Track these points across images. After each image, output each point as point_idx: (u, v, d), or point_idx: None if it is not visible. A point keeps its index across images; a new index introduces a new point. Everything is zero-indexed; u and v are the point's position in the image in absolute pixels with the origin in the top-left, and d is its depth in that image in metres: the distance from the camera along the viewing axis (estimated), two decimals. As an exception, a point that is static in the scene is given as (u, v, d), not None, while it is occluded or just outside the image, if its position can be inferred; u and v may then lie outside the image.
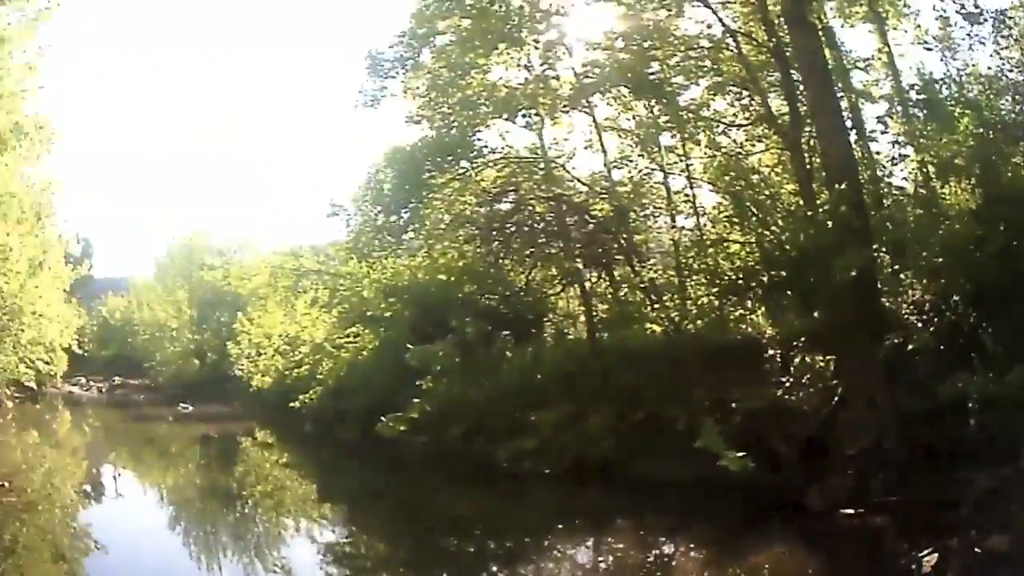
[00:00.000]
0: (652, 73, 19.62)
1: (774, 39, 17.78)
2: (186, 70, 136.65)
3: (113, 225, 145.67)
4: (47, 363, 40.23)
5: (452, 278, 24.29)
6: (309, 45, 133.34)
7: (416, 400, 20.65)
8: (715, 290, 17.38)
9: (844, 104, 17.78)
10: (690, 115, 20.62)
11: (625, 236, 21.33)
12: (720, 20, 19.20)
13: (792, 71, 17.76)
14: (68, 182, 37.22)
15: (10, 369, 36.26)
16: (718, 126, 20.71)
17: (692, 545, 13.49)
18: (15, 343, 36.07)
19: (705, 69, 19.83)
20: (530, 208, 23.18)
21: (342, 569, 13.64)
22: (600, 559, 13.78)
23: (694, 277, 18.82)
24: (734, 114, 20.75)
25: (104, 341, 68.29)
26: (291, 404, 28.98)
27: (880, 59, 19.03)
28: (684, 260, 19.62)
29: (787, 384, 15.91)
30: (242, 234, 56.35)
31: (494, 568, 13.57)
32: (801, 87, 17.53)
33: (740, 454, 13.51)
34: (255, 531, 16.99)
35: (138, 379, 59.69)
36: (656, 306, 19.12)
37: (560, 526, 15.36)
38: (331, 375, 27.93)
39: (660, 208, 22.95)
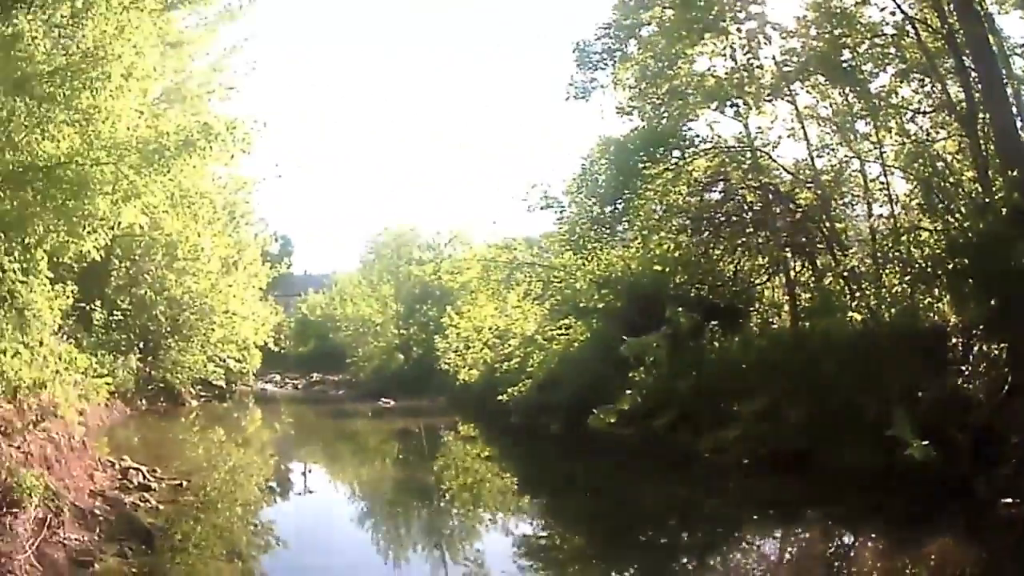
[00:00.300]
0: (844, 61, 21.63)
1: (946, 26, 19.52)
2: (388, 63, 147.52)
3: (316, 222, 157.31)
4: (239, 361, 44.21)
5: (665, 269, 26.54)
6: (506, 36, 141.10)
7: (628, 392, 23.17)
8: (907, 278, 19.35)
9: (1009, 91, 19.22)
10: (881, 102, 22.48)
11: (827, 224, 23.38)
12: (899, 6, 21.23)
13: (964, 57, 19.66)
14: (270, 179, 40.95)
15: (197, 368, 39.87)
16: (906, 113, 22.43)
17: (871, 534, 15.17)
18: (204, 342, 39.60)
19: (890, 56, 21.62)
20: (739, 197, 25.59)
21: (536, 561, 14.52)
22: (786, 549, 15.42)
23: (888, 265, 20.69)
24: (919, 101, 22.38)
25: (302, 338, 74.25)
26: (499, 398, 31.41)
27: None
28: (880, 248, 21.53)
29: (966, 372, 17.41)
30: (451, 227, 58.73)
31: (684, 560, 14.77)
32: (973, 74, 19.42)
33: (924, 443, 15.34)
34: (450, 524, 18.30)
35: (337, 375, 63.47)
36: (856, 295, 21.10)
37: (754, 517, 16.68)
38: (541, 368, 30.23)
39: (858, 196, 24.39)
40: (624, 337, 24.53)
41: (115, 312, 33.09)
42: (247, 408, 46.41)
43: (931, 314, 19.45)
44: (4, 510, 11.31)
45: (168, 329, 37.60)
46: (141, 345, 35.21)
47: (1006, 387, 16.20)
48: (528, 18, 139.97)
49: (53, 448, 15.06)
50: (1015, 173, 17.02)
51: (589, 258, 28.89)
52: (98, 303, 31.20)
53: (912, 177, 21.31)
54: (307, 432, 38.44)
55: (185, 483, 18.93)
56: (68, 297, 22.05)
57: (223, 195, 35.40)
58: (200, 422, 35.92)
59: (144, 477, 18.45)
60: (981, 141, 19.05)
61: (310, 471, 27.26)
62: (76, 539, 12.55)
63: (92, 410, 22.60)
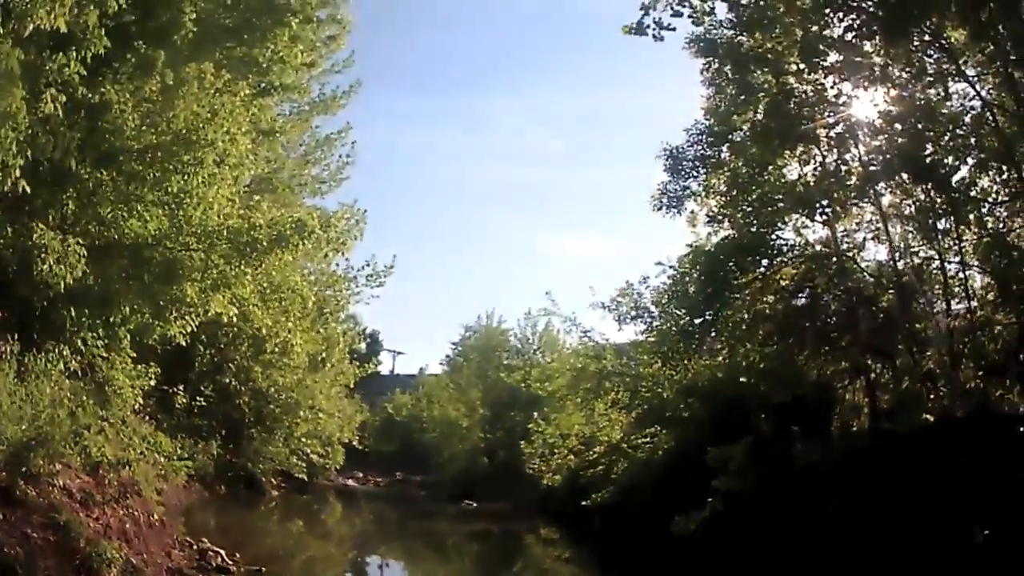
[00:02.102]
0: (927, 155, 21.89)
1: (1022, 109, 19.86)
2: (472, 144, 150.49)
3: (406, 318, 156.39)
4: (322, 456, 45.02)
5: (750, 379, 26.66)
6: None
7: (709, 499, 23.09)
8: (980, 372, 19.55)
9: None
10: (960, 196, 22.43)
11: (907, 325, 23.51)
12: (978, 93, 21.66)
13: None
14: (362, 279, 41.86)
15: (279, 460, 40.43)
16: (984, 204, 22.74)
17: None
18: (288, 435, 40.69)
19: (970, 147, 21.95)
20: (823, 303, 25.80)
21: None
22: None
23: (964, 361, 20.79)
24: (996, 191, 22.66)
25: (387, 437, 74.69)
26: (583, 503, 31.28)
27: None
28: (957, 345, 21.56)
29: None
30: (539, 329, 59.99)
31: None
32: None
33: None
34: None
35: (420, 476, 64.51)
36: (931, 395, 21.24)
37: None
38: (625, 475, 30.53)
39: (937, 293, 24.29)
40: (708, 447, 24.43)
41: (198, 398, 33.93)
42: (328, 502, 47.14)
43: (1003, 405, 19.52)
44: (82, 579, 11.64)
45: (251, 419, 38.42)
46: (223, 432, 35.72)
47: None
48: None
49: (132, 524, 15.67)
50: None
51: (677, 368, 29.03)
52: (182, 387, 32.07)
53: (989, 269, 21.54)
54: (387, 528, 39.03)
55: (263, 569, 19.33)
56: (151, 378, 22.60)
57: (314, 291, 36.03)
58: (279, 512, 37.07)
59: (222, 560, 19.01)
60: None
61: (387, 565, 28.12)
62: None
63: (171, 491, 23.23)
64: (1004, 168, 21.58)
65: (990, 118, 21.40)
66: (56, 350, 17.50)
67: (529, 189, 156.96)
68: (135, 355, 21.60)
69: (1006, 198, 22.30)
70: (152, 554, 15.68)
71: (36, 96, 15.15)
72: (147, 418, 24.66)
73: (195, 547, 19.15)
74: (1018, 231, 22.27)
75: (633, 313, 30.94)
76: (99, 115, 18.50)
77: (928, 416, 20.73)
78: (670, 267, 29.18)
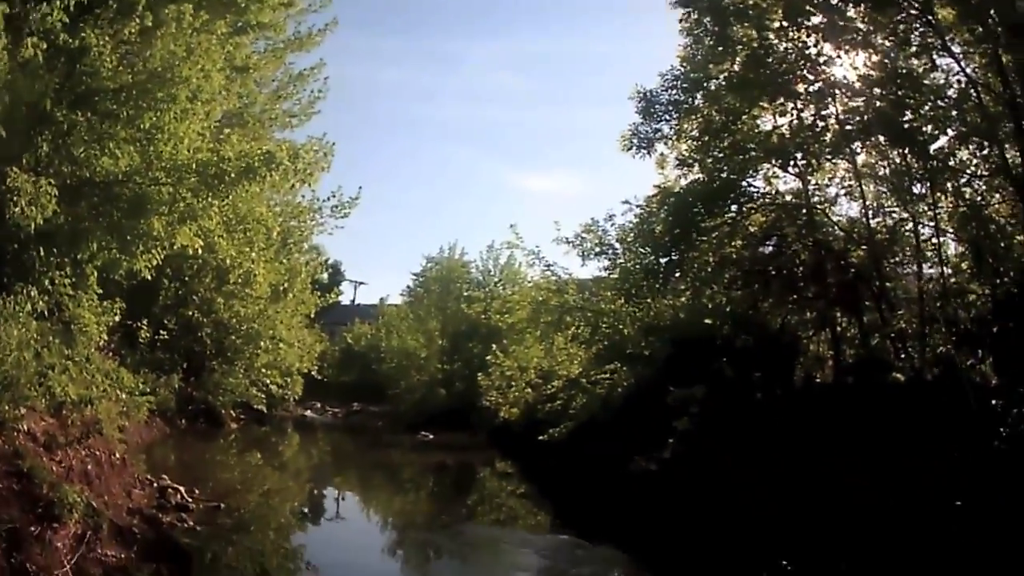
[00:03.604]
0: (906, 121, 21.73)
1: (1008, 91, 19.82)
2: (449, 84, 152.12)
3: (368, 248, 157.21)
4: (281, 387, 44.37)
5: (715, 321, 26.61)
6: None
7: (670, 440, 23.13)
8: (952, 339, 19.54)
9: None
10: (938, 164, 22.16)
11: (877, 283, 23.73)
12: (963, 69, 21.48)
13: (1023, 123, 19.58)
14: (326, 209, 41.58)
15: (239, 391, 40.15)
16: (962, 176, 22.43)
17: None
18: (248, 366, 40.36)
19: (951, 119, 21.76)
20: (791, 252, 25.89)
21: None
22: None
23: (935, 325, 20.89)
24: (975, 164, 22.35)
25: (346, 367, 74.86)
26: (539, 438, 31.41)
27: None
28: (928, 309, 21.71)
29: (1004, 434, 16.96)
30: (501, 262, 59.76)
31: None
32: None
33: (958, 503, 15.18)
34: (479, 559, 18.57)
35: (378, 406, 64.39)
36: (902, 355, 21.37)
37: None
38: (583, 411, 30.46)
39: (909, 256, 24.40)
40: (668, 387, 24.51)
41: (161, 331, 33.88)
42: (286, 433, 47.04)
43: (973, 375, 19.29)
44: (44, 524, 11.61)
45: (213, 351, 38.36)
46: (184, 365, 35.67)
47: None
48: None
49: (94, 464, 15.54)
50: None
51: (640, 306, 29.05)
52: (145, 321, 31.93)
53: (963, 239, 21.63)
54: (343, 461, 39.23)
55: (222, 505, 19.31)
56: (116, 314, 22.36)
57: (279, 222, 36.10)
58: (238, 445, 36.49)
59: (182, 497, 18.80)
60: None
61: (343, 499, 27.87)
62: (113, 556, 12.83)
63: (132, 427, 23.00)
64: (986, 144, 21.47)
65: (974, 95, 21.24)
66: (25, 292, 17.17)
67: (497, 128, 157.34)
68: (101, 292, 21.25)
69: (986, 173, 22.19)
70: (113, 495, 15.51)
71: (17, 44, 15.06)
72: (111, 354, 24.39)
73: (155, 485, 18.98)
74: (996, 206, 22.16)
75: (597, 249, 30.67)
76: (78, 59, 18.33)
77: (899, 376, 20.82)
78: (637, 206, 29.32)
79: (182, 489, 19.31)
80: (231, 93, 25.42)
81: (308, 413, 59.91)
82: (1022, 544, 13.91)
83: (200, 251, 23.21)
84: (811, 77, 23.86)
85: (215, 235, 23.97)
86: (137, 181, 19.48)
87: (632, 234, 29.76)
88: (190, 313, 36.50)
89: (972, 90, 21.27)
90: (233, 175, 20.44)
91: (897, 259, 24.98)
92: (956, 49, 21.70)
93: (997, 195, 22.25)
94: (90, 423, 16.09)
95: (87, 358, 19.03)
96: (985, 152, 21.80)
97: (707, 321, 26.73)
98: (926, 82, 22.25)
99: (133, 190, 19.43)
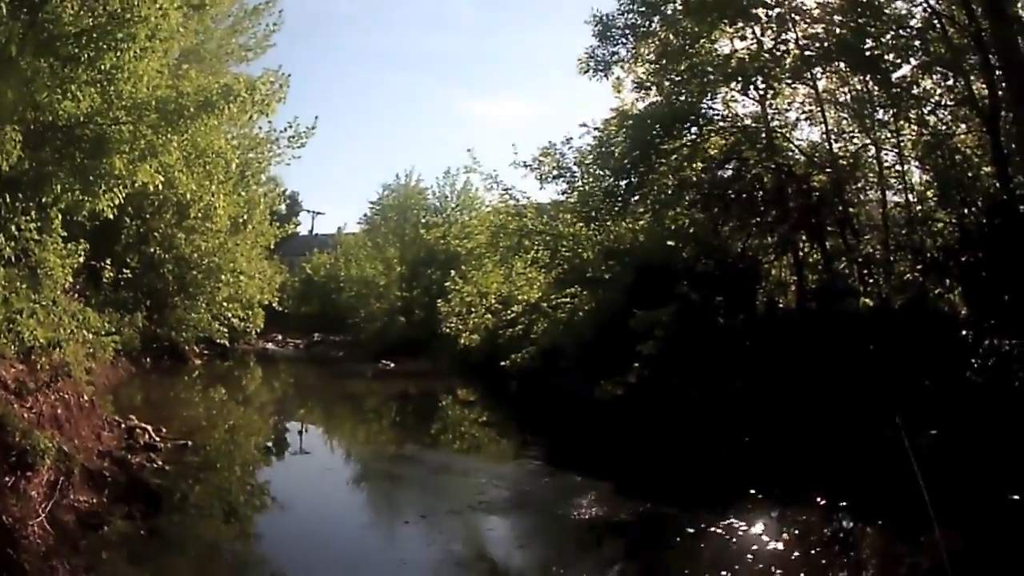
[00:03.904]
0: (867, 49, 21.73)
1: (974, 23, 19.72)
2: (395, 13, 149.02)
3: (325, 178, 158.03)
4: (243, 320, 44.57)
5: (677, 243, 26.34)
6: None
7: (635, 364, 22.97)
8: (919, 267, 19.57)
9: None
10: (901, 92, 22.38)
11: (840, 208, 23.65)
12: (926, 0, 21.44)
13: (990, 56, 19.62)
14: (283, 140, 41.49)
15: (202, 326, 40.46)
16: (926, 104, 22.34)
17: (873, 526, 14.65)
18: (210, 300, 40.62)
19: (914, 48, 21.70)
20: (751, 175, 25.70)
21: (523, 529, 14.78)
22: (775, 529, 14.60)
23: (900, 253, 20.90)
24: (940, 94, 22.26)
25: (306, 298, 74.41)
26: (501, 363, 31.46)
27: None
28: (893, 236, 21.72)
29: (975, 365, 17.17)
30: (458, 188, 59.74)
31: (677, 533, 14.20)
32: (998, 72, 19.40)
33: (932, 431, 15.12)
34: (442, 490, 18.28)
35: (339, 336, 64.61)
36: (868, 280, 21.31)
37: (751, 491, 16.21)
38: (545, 336, 30.35)
39: (872, 182, 24.37)
40: (631, 311, 24.28)
41: (124, 270, 33.72)
42: (249, 367, 47.26)
43: (941, 304, 19.44)
44: (18, 474, 11.53)
45: (175, 287, 38.61)
46: (148, 303, 35.94)
47: (1017, 383, 16.13)
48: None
49: (64, 408, 15.56)
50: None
51: (600, 229, 29.01)
52: (108, 261, 31.81)
53: (929, 168, 21.61)
54: (306, 392, 39.28)
55: (189, 443, 19.61)
56: (80, 255, 22.29)
57: (237, 154, 35.43)
58: (203, 381, 36.97)
59: (150, 437, 19.06)
60: (1002, 138, 19.14)
61: (307, 432, 27.78)
62: (85, 501, 12.90)
63: (99, 369, 23.30)
64: (951, 75, 21.53)
65: (938, 26, 21.26)
66: (-8, 239, 17.04)
67: (451, 56, 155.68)
68: (65, 234, 21.26)
69: (951, 103, 22.16)
70: (83, 438, 15.54)
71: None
72: (76, 296, 24.37)
73: (123, 426, 19.08)
74: (962, 136, 22.12)
75: (555, 173, 30.13)
76: (40, 7, 18.17)
77: (868, 301, 20.54)
78: (595, 129, 28.75)
79: (150, 428, 19.47)
80: (188, 30, 25.18)
81: (270, 346, 60.01)
82: (994, 475, 14.17)
83: (161, 187, 23.19)
84: (771, 2, 23.67)
85: (175, 170, 23.89)
86: (98, 122, 19.40)
87: (591, 157, 29.24)
88: (152, 250, 36.61)
89: (936, 21, 21.28)
90: (192, 110, 20.44)
91: (860, 185, 24.93)
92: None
93: (963, 125, 22.19)
94: (58, 367, 16.11)
95: (54, 301, 19.15)
96: (950, 83, 21.84)
97: (669, 243, 26.58)
98: (888, 11, 22.17)
99: (95, 131, 19.37)
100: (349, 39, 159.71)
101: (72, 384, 16.52)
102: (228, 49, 37.58)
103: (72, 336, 18.11)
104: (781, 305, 25.51)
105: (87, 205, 20.64)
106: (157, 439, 19.03)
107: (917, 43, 21.71)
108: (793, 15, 23.53)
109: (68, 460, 12.95)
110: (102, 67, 18.94)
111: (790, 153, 25.80)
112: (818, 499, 16.04)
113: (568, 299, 30.85)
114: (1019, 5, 20.19)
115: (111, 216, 22.55)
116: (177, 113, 20.23)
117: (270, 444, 23.15)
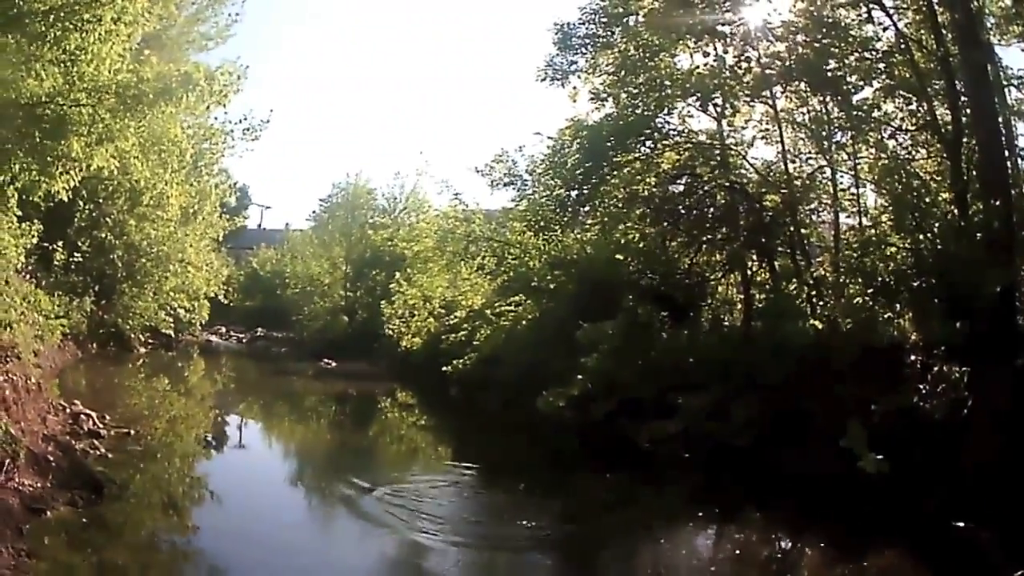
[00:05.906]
0: (830, 69, 21.56)
1: (942, 48, 19.41)
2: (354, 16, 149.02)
3: (276, 174, 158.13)
4: (188, 311, 44.77)
5: (625, 257, 26.29)
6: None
7: (579, 376, 22.72)
8: (869, 291, 19.18)
9: (1000, 120, 18.76)
10: (861, 115, 21.98)
11: (792, 229, 23.27)
12: (894, 24, 21.11)
13: (957, 82, 19.23)
14: (238, 132, 41.04)
15: (148, 315, 40.41)
16: (886, 128, 22.17)
17: (811, 541, 14.75)
18: (157, 289, 40.63)
19: (878, 71, 21.50)
20: (704, 192, 25.31)
21: (454, 536, 13.98)
22: (722, 548, 15.07)
23: (851, 276, 20.41)
24: (901, 118, 22.04)
25: (251, 292, 74.36)
26: (443, 369, 31.29)
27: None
28: (845, 258, 21.33)
29: (923, 391, 17.15)
30: (407, 190, 59.03)
31: (611, 550, 14.19)
32: (964, 98, 19.19)
33: (878, 456, 15.19)
34: (378, 492, 17.15)
35: (281, 332, 64.08)
36: (817, 302, 20.99)
37: (699, 513, 16.42)
38: (488, 343, 30.18)
39: (826, 204, 24.06)
40: (580, 321, 24.06)
41: (75, 254, 33.75)
42: (192, 359, 47.05)
43: (891, 329, 19.18)
44: (-35, 454, 11.02)
45: (124, 274, 38.44)
46: (96, 288, 35.67)
47: (965, 410, 16.13)
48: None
49: (11, 390, 15.14)
50: (997, 202, 17.02)
51: (549, 239, 28.60)
52: (60, 244, 31.74)
53: (885, 192, 21.21)
54: (247, 387, 38.67)
55: (131, 432, 19.39)
56: (34, 236, 21.97)
57: (191, 144, 35.96)
58: (147, 370, 36.68)
59: (94, 423, 19.02)
60: (963, 165, 18.98)
61: (246, 426, 27.56)
62: (30, 485, 12.54)
63: (47, 351, 23.13)
64: (914, 99, 21.42)
65: (905, 50, 21.11)
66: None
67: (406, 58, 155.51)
68: (19, 214, 20.96)
69: (912, 127, 21.94)
70: (29, 421, 15.30)
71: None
72: (27, 277, 23.98)
73: (68, 411, 18.92)
74: (921, 161, 21.90)
75: (507, 180, 29.94)
76: None
77: (816, 323, 20.32)
78: (549, 138, 28.37)
79: (94, 415, 19.37)
80: (152, 15, 24.92)
81: (213, 339, 59.82)
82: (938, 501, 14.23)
83: (116, 172, 23.05)
84: (734, 17, 23.54)
85: (131, 156, 23.82)
86: (59, 102, 19.27)
87: (543, 166, 28.81)
88: (103, 235, 36.45)
89: (903, 44, 21.11)
90: (151, 96, 20.38)
91: (814, 206, 24.69)
92: (888, 3, 21.27)
93: (923, 150, 22.07)
94: (7, 347, 15.99)
95: (6, 281, 19.07)
96: (913, 107, 21.72)
97: (617, 256, 26.49)
98: (853, 33, 21.94)
99: (55, 111, 19.26)
100: (308, 32, 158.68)
101: (21, 366, 16.34)
102: (190, 37, 37.27)
103: (22, 317, 17.86)
104: (727, 323, 25.31)
105: (43, 186, 20.45)
106: (101, 426, 18.84)
107: (881, 66, 21.61)
108: (756, 33, 23.41)
109: (14, 443, 12.67)
110: (67, 47, 18.68)
111: (744, 171, 25.52)
112: (757, 516, 16.16)
113: (512, 307, 30.74)
114: (990, 31, 19.97)
115: (65, 199, 22.31)
116: (136, 99, 20.12)
117: (210, 437, 22.51)
